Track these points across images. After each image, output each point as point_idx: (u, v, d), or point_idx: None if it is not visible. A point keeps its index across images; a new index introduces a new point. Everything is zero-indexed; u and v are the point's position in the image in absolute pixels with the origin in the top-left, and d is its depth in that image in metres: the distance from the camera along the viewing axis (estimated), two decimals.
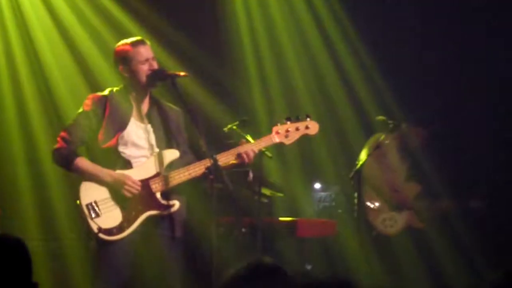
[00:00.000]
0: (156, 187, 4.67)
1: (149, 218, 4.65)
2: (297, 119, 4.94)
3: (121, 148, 4.69)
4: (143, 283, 4.83)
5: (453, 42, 7.29)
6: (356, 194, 6.21)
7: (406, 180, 6.69)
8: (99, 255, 4.62)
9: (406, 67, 7.18)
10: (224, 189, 4.49)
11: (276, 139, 4.90)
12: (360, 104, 7.38)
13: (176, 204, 4.69)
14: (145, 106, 4.83)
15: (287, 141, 4.92)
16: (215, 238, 4.43)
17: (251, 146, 4.82)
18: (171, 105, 4.93)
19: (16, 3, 6.81)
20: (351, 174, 6.10)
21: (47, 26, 6.85)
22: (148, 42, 4.80)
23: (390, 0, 7.52)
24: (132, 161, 4.69)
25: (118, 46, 4.83)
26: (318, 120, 4.98)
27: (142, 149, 4.74)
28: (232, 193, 4.45)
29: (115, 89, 4.84)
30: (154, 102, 4.85)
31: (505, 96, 7.09)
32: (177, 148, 4.79)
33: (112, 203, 4.61)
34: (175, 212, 4.69)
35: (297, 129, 4.91)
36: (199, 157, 4.73)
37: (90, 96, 4.81)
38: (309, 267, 6.52)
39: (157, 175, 4.69)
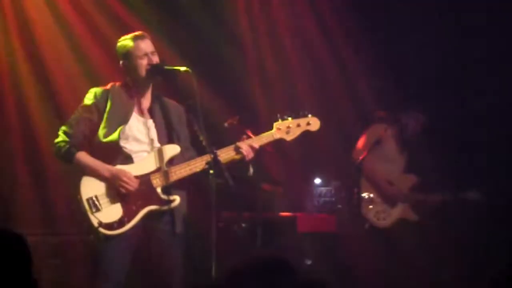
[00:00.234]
0: (157, 182, 4.68)
1: (150, 213, 4.66)
2: (299, 115, 4.94)
3: (122, 143, 4.69)
4: (144, 278, 4.84)
5: (454, 40, 7.29)
6: (355, 189, 6.23)
7: (404, 172, 6.67)
8: (99, 250, 4.62)
9: (407, 64, 7.17)
10: (224, 184, 4.50)
11: (277, 135, 4.90)
12: (361, 98, 7.37)
13: (176, 199, 4.70)
14: (147, 101, 4.84)
15: (288, 137, 4.93)
16: (215, 233, 4.43)
17: (252, 142, 4.82)
18: (173, 101, 4.93)
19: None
20: (352, 168, 6.13)
21: (47, 21, 6.84)
22: (148, 36, 4.81)
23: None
24: (133, 155, 4.70)
25: (119, 41, 4.85)
26: (318, 114, 4.97)
27: (143, 143, 4.74)
28: (232, 188, 4.45)
29: (117, 83, 4.85)
30: (156, 98, 4.86)
31: (505, 93, 7.10)
32: (179, 143, 4.80)
33: (112, 197, 4.62)
34: (175, 207, 4.70)
35: (298, 125, 4.92)
36: (200, 153, 4.74)
37: (92, 90, 4.82)
38: (309, 262, 6.53)
39: (158, 170, 4.70)
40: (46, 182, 6.62)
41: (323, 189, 7.27)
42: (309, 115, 4.96)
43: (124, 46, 4.78)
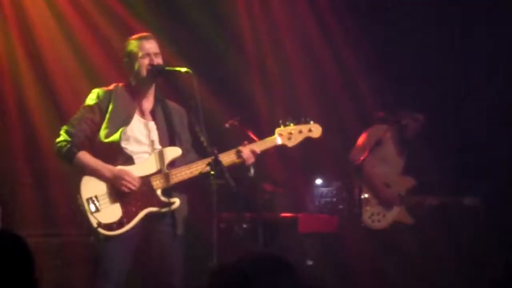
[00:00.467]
0: (157, 184, 4.67)
1: (151, 215, 4.66)
2: (301, 122, 4.96)
3: (123, 144, 4.69)
4: (144, 279, 4.84)
5: (454, 40, 7.29)
6: (357, 190, 6.22)
7: (402, 174, 6.65)
8: (100, 251, 4.62)
9: (407, 64, 7.17)
10: (225, 184, 4.49)
11: (279, 141, 4.92)
12: (361, 98, 7.37)
13: (176, 202, 4.70)
14: (149, 103, 4.84)
15: (290, 143, 4.95)
16: (216, 233, 4.43)
17: (254, 147, 4.82)
18: (175, 104, 4.93)
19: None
20: (350, 168, 6.13)
21: (47, 21, 6.84)
22: (154, 38, 4.82)
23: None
24: (134, 156, 4.70)
25: (127, 40, 4.86)
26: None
27: (144, 145, 4.74)
28: (233, 188, 4.45)
29: (120, 84, 4.85)
30: (159, 100, 4.87)
31: (504, 92, 7.10)
32: (180, 146, 4.80)
33: (112, 198, 4.62)
34: (176, 209, 4.70)
35: (300, 131, 4.94)
36: (201, 155, 4.74)
37: (95, 90, 4.82)
38: (310, 262, 6.52)
39: (158, 172, 4.70)
40: (47, 182, 6.61)
41: (324, 190, 7.27)
42: (311, 122, 4.97)
43: (129, 45, 4.81)
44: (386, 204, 6.50)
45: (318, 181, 7.32)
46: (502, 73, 7.13)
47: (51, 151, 4.91)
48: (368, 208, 6.44)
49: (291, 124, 4.93)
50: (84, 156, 4.66)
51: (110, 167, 4.63)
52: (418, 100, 6.81)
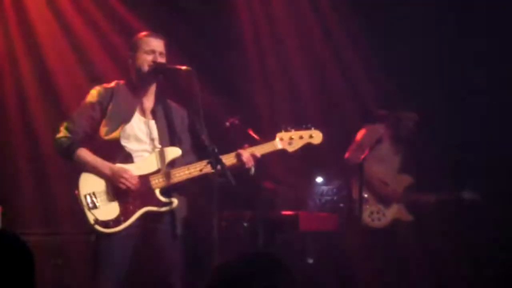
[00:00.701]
0: (156, 183, 4.67)
1: (149, 214, 4.65)
2: (301, 127, 4.96)
3: (123, 141, 4.68)
4: (143, 278, 4.84)
5: (453, 40, 7.29)
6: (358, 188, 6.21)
7: (399, 172, 6.66)
8: (100, 249, 4.61)
9: (407, 64, 7.17)
10: (226, 183, 4.49)
11: (279, 146, 4.92)
12: (361, 97, 7.37)
13: (174, 201, 4.69)
14: (150, 102, 4.84)
15: (290, 148, 4.95)
16: (216, 232, 4.43)
17: (254, 151, 4.82)
18: (177, 104, 4.93)
19: None
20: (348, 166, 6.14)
21: (48, 21, 6.84)
22: (163, 38, 4.83)
23: None
24: (134, 154, 4.70)
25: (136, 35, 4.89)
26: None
27: (144, 143, 4.74)
28: (234, 187, 4.44)
29: (121, 82, 4.85)
30: (160, 100, 4.86)
31: (503, 91, 7.10)
32: (180, 146, 4.79)
33: (110, 195, 4.61)
34: (175, 209, 4.69)
35: (301, 137, 4.95)
36: (200, 155, 4.73)
37: (96, 87, 4.82)
38: (310, 261, 6.53)
39: (158, 171, 4.69)
40: (48, 181, 6.62)
41: (325, 188, 7.28)
42: (312, 128, 4.98)
43: (135, 39, 4.83)
44: (385, 201, 6.51)
45: (319, 180, 7.32)
46: (501, 72, 7.13)
47: (52, 150, 4.90)
48: (367, 206, 6.45)
49: (292, 130, 4.94)
50: (84, 153, 4.65)
51: (109, 164, 4.63)
52: (418, 99, 6.80)
